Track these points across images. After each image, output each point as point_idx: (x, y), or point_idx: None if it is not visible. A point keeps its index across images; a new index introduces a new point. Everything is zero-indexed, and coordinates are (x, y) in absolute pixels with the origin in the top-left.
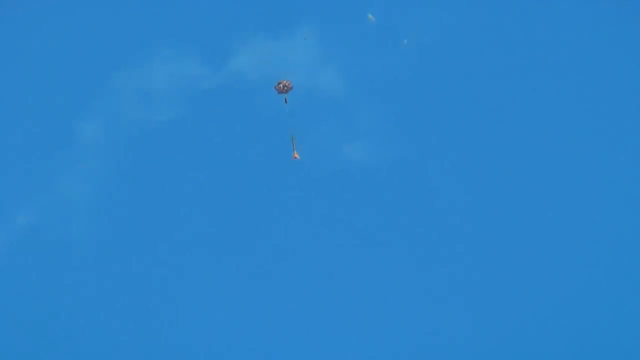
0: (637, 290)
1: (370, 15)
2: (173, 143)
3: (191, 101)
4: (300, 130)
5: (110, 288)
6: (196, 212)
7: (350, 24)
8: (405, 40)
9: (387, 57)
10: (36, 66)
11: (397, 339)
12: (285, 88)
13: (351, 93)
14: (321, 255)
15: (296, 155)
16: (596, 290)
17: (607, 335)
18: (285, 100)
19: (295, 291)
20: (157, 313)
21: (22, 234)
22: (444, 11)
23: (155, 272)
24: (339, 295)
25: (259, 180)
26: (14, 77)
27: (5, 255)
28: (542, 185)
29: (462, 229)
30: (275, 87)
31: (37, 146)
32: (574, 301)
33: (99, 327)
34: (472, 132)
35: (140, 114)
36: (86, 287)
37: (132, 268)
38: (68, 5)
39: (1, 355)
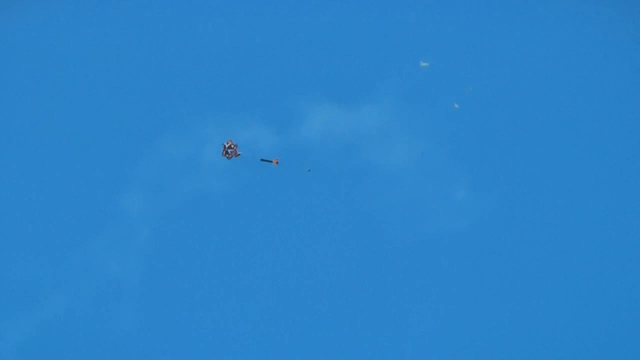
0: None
1: (423, 63)
2: (226, 217)
3: (248, 170)
4: (367, 203)
5: None
6: (255, 293)
7: (423, 98)
8: (456, 105)
9: (459, 127)
10: (72, 129)
11: None
12: (232, 150)
13: (419, 165)
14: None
15: (275, 162)
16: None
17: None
18: (238, 154)
19: None
20: None
21: (58, 318)
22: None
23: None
24: None
25: (323, 252)
26: (50, 146)
27: (38, 341)
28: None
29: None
30: (224, 155)
31: (75, 221)
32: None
33: None
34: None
35: (190, 186)
36: None
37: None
38: (110, 64)
39: None
